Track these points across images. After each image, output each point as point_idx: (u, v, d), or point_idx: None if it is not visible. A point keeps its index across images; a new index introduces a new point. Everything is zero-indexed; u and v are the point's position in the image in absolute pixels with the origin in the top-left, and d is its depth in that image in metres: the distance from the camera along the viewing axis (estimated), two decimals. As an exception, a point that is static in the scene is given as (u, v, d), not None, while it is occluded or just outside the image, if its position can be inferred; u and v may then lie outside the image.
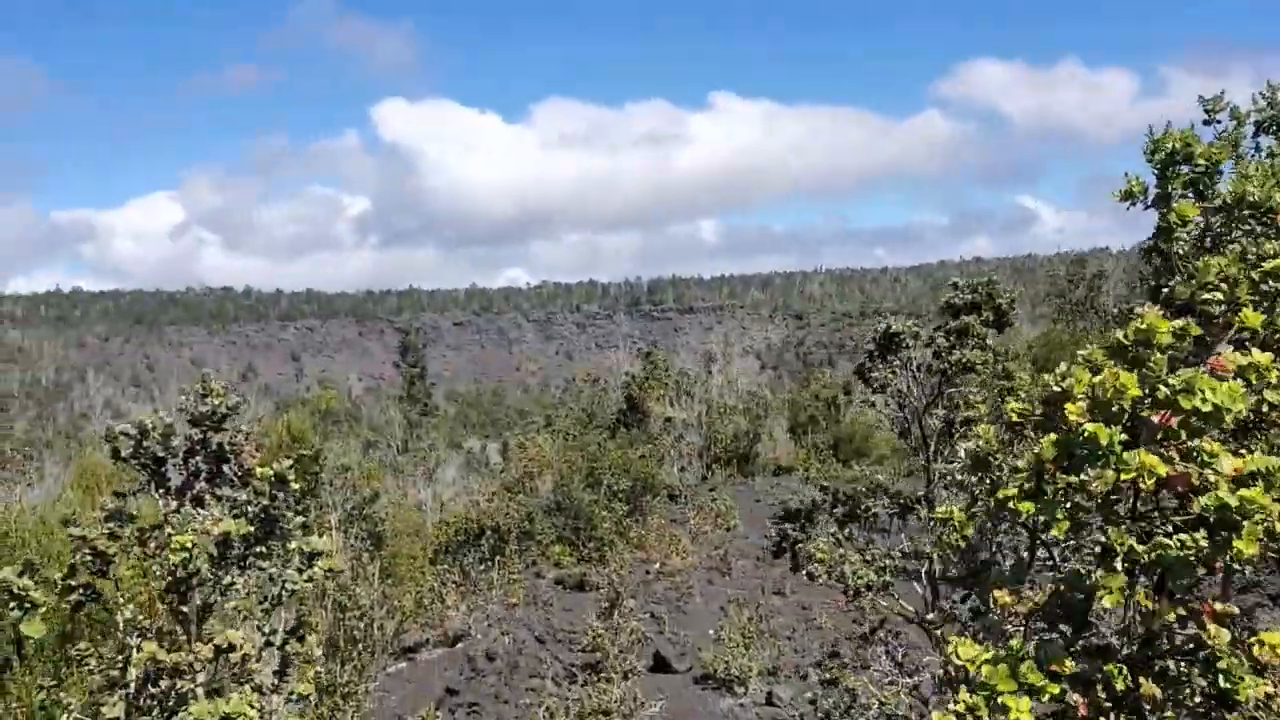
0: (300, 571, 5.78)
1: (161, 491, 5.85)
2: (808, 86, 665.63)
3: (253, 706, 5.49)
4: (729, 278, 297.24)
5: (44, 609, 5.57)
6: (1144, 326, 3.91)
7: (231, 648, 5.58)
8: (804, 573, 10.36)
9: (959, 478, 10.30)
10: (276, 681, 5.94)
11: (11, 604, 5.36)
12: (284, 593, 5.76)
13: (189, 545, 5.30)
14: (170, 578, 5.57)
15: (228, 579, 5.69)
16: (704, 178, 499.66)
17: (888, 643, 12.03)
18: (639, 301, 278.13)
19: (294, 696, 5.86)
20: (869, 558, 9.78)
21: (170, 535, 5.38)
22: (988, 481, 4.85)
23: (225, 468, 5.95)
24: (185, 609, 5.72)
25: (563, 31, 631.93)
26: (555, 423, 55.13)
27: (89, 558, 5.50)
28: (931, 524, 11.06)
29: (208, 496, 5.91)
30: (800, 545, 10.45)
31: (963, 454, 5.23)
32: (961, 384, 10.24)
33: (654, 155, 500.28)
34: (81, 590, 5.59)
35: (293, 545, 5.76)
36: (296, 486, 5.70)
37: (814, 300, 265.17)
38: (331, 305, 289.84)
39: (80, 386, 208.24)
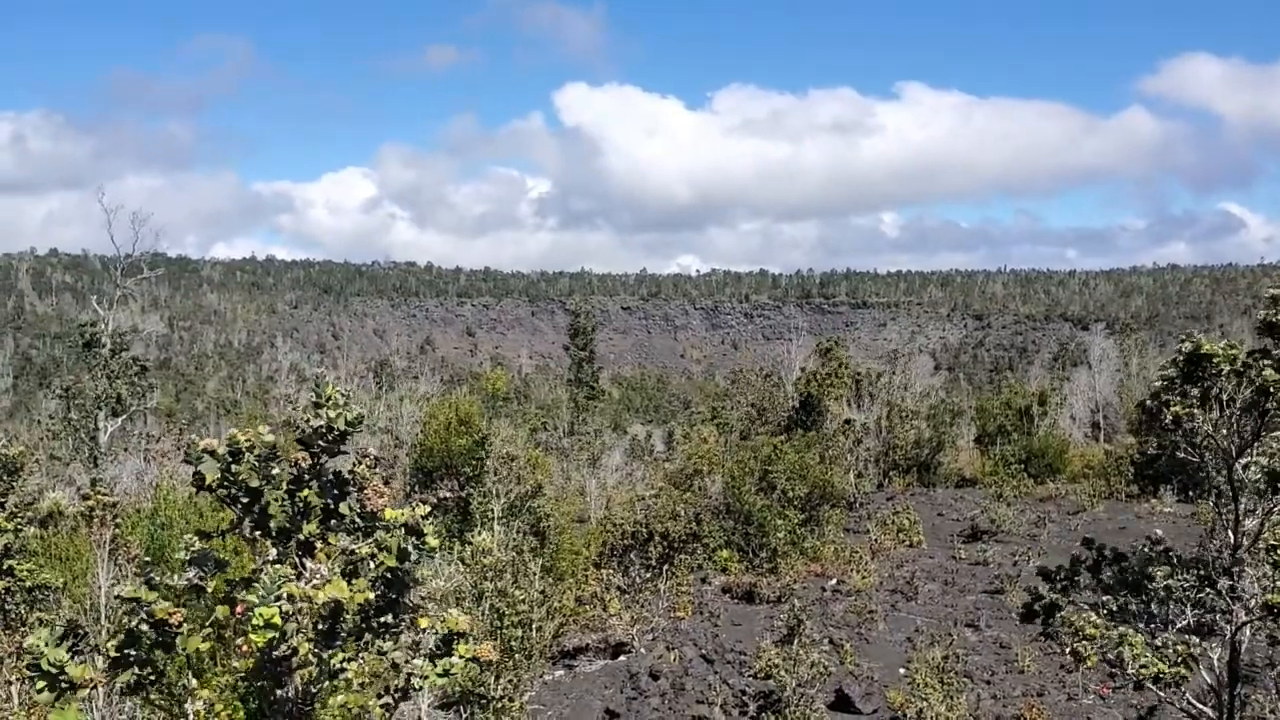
0: (434, 660, 4.14)
1: (259, 533, 4.31)
2: (1003, 79, 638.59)
3: None
4: (906, 274, 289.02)
5: (85, 691, 4.10)
6: None
7: (338, 760, 3.99)
8: (1069, 652, 8.23)
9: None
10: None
11: (41, 683, 3.89)
12: (410, 687, 4.14)
13: (278, 622, 3.71)
14: (260, 657, 4.01)
15: (336, 660, 4.09)
16: (889, 169, 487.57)
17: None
18: (810, 294, 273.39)
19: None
20: (1158, 642, 7.56)
21: (254, 605, 3.80)
22: None
23: (343, 505, 4.37)
24: (280, 694, 4.17)
25: (747, 16, 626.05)
26: (721, 414, 53.54)
27: (147, 628, 3.99)
28: (1235, 599, 8.71)
29: (318, 544, 4.34)
30: (1061, 613, 8.28)
31: None
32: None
33: (838, 144, 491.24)
34: (139, 668, 4.11)
35: (425, 623, 4.13)
36: (434, 544, 4.05)
37: (995, 300, 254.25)
38: (507, 284, 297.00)
39: (269, 350, 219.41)
